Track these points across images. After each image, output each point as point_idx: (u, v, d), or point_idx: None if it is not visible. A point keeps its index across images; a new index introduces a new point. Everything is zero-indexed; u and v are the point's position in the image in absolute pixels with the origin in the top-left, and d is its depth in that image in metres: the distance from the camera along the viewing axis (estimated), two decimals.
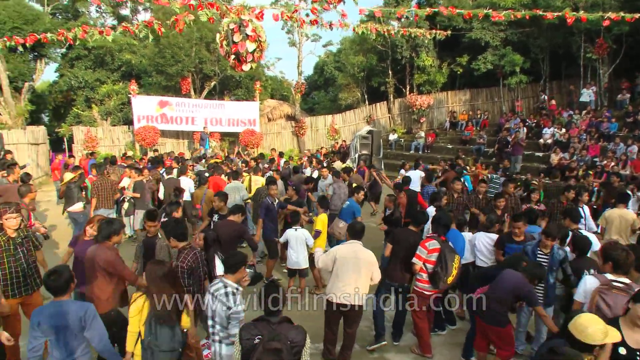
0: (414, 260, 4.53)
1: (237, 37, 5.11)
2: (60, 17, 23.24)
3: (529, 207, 7.27)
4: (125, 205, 8.16)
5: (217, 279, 3.72)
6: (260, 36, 5.12)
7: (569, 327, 2.67)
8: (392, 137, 20.72)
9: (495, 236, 5.37)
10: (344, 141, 20.64)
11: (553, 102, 18.33)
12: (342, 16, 5.88)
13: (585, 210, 6.62)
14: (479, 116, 19.58)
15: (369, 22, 9.14)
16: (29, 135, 14.70)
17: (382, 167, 17.28)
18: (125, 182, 8.16)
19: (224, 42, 5.08)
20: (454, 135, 19.64)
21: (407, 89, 21.35)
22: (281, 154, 15.09)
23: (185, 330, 3.50)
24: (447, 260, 4.36)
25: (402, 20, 21.00)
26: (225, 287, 3.49)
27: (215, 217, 6.07)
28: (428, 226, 5.72)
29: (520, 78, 18.49)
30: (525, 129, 16.39)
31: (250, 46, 5.19)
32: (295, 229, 5.86)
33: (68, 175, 8.81)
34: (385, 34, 7.42)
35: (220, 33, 5.13)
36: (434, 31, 7.06)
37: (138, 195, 8.09)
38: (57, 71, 22.38)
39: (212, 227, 5.85)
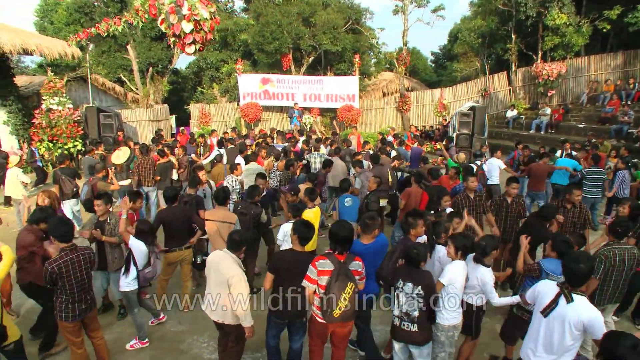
0: (304, 282, 3.53)
1: (172, 19, 4.83)
2: None
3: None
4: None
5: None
6: (196, 15, 4.72)
7: None
8: (511, 113, 17.66)
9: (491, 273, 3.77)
10: (452, 118, 18.43)
11: None
12: None
13: None
14: (631, 87, 15.14)
15: None
16: (150, 113, 17.09)
17: (486, 149, 14.93)
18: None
19: (164, 25, 4.86)
20: (592, 112, 15.71)
21: (540, 55, 17.76)
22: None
23: None
24: (332, 288, 3.33)
25: None
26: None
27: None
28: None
29: None
30: None
31: (187, 27, 4.85)
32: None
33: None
34: None
35: (161, 15, 4.92)
36: None
37: (158, 177, 8.61)
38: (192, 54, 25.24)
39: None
